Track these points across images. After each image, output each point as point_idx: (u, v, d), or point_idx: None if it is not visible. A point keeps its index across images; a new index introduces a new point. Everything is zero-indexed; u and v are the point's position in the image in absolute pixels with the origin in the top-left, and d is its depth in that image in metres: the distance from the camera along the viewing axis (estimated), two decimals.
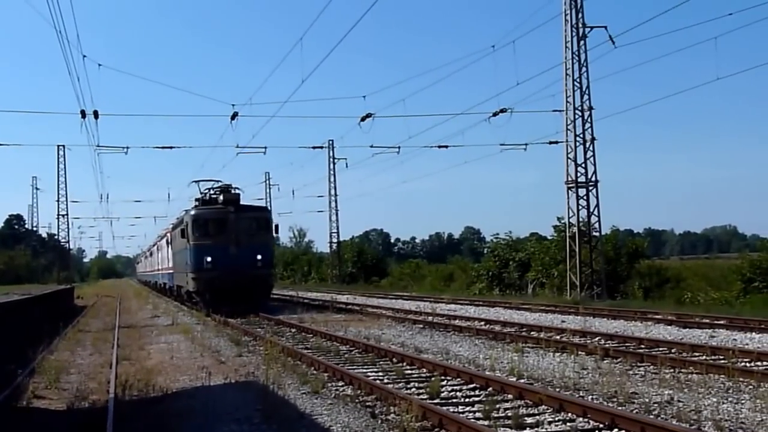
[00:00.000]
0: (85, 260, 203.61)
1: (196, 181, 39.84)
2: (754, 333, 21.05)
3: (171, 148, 43.31)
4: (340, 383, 14.59)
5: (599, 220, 38.85)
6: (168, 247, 48.44)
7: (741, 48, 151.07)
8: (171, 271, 47.32)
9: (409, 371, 16.03)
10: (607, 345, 18.83)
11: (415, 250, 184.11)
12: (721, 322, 23.88)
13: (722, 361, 15.55)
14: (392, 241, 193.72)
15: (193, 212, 35.72)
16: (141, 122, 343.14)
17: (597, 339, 20.72)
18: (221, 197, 35.69)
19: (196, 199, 38.31)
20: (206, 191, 37.91)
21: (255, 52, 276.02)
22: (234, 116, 36.31)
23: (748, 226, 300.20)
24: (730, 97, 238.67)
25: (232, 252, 33.70)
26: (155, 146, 44.82)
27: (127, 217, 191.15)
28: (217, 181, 38.10)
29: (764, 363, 15.54)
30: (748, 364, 15.26)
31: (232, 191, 36.31)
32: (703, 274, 41.40)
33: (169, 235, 48.47)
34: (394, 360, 17.58)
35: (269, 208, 37.84)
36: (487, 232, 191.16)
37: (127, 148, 41.50)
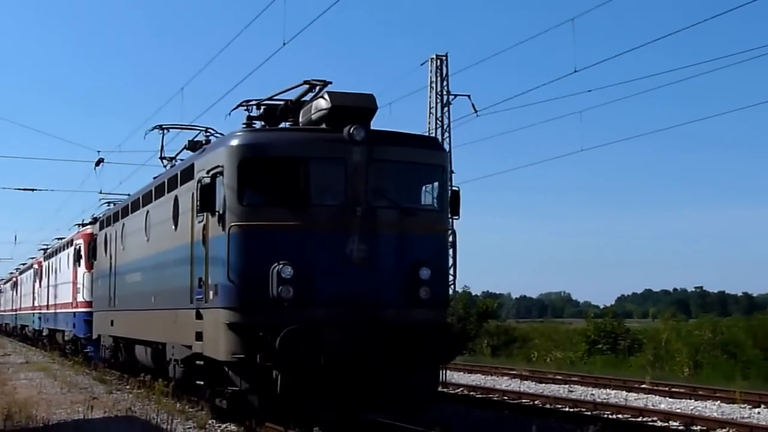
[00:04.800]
0: None
1: (161, 127, 20.06)
2: (609, 389, 22.16)
3: (33, 190, 41.81)
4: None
5: (455, 280, 39.85)
6: (77, 262, 28.36)
7: (604, 123, 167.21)
8: (82, 310, 27.00)
9: None
10: (477, 395, 19.57)
11: None
12: (575, 378, 25.04)
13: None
14: None
15: (237, 141, 12.60)
16: None
17: (460, 390, 21.48)
18: (321, 102, 12.74)
19: (199, 141, 17.51)
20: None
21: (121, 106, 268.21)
22: (99, 162, 33.25)
23: (581, 293, 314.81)
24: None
25: (354, 256, 12.11)
26: (16, 188, 43.66)
27: None
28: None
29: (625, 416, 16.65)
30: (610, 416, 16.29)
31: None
32: (549, 335, 43.09)
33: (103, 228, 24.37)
34: None
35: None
36: None
37: None
